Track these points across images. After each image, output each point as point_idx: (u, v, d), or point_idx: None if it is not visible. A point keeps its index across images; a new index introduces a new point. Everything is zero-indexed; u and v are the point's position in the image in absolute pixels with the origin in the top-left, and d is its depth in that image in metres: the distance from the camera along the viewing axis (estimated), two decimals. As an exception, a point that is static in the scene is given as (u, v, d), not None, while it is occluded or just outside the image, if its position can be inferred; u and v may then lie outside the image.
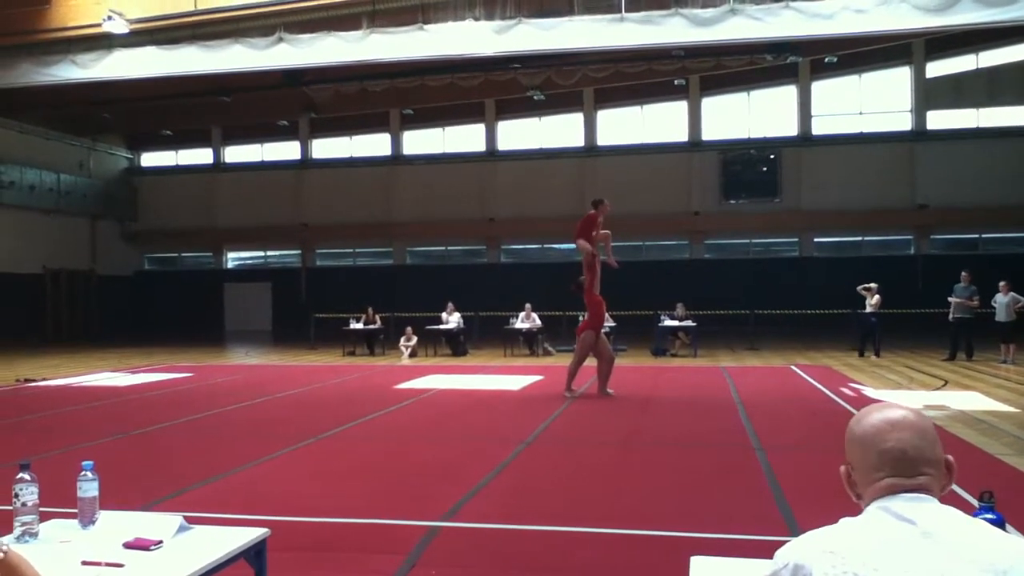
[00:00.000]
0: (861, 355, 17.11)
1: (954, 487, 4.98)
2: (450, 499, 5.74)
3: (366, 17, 17.58)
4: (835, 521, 1.61)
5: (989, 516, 2.25)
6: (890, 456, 1.57)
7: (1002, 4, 14.72)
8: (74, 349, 23.08)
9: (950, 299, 16.37)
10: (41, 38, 18.71)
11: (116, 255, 32.27)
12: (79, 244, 30.34)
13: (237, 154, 33.83)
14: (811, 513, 4.95)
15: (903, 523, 1.51)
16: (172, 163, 34.39)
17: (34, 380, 14.46)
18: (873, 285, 17.32)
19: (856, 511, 1.62)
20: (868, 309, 17.26)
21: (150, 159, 34.64)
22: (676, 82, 27.19)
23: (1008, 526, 2.25)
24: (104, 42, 18.35)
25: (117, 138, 33.02)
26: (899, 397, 10.78)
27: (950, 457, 1.63)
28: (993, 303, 15.98)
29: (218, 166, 33.59)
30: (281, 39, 17.44)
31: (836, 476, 1.74)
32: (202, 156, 33.96)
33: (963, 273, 16.47)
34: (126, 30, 17.70)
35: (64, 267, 29.10)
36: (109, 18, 17.28)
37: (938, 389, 11.90)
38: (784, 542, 1.64)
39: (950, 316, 16.36)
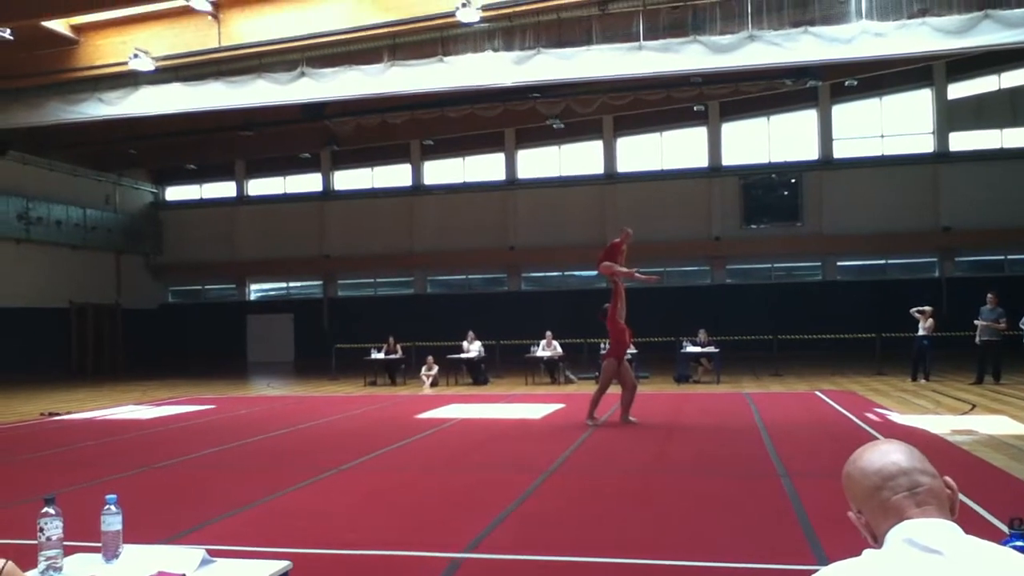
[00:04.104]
0: (914, 379, 16.69)
1: (983, 513, 4.89)
2: (473, 530, 5.70)
3: (387, 50, 17.83)
4: (862, 550, 1.58)
5: (1020, 543, 2.20)
6: (887, 472, 1.62)
7: (1023, 25, 14.67)
8: (99, 382, 23.27)
9: (976, 322, 16.16)
10: (68, 77, 19.13)
11: (141, 288, 32.63)
12: (105, 278, 30.70)
13: (260, 187, 34.21)
14: (838, 542, 4.87)
15: (930, 554, 1.49)
16: (196, 197, 34.84)
17: (58, 414, 14.56)
18: (928, 308, 17.05)
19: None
20: (921, 332, 16.98)
21: (174, 193, 35.12)
22: (695, 108, 27.27)
23: (1040, 554, 2.20)
24: (130, 80, 18.73)
25: (142, 173, 33.51)
26: (926, 422, 10.63)
27: (948, 477, 1.67)
28: (1021, 325, 15.76)
29: (241, 199, 33.97)
30: (303, 73, 17.71)
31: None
32: (226, 189, 34.38)
33: (989, 295, 16.27)
34: (152, 67, 18.05)
35: (90, 301, 29.44)
36: (135, 56, 17.64)
37: (966, 413, 11.71)
38: (811, 571, 1.62)
39: (977, 339, 16.14)
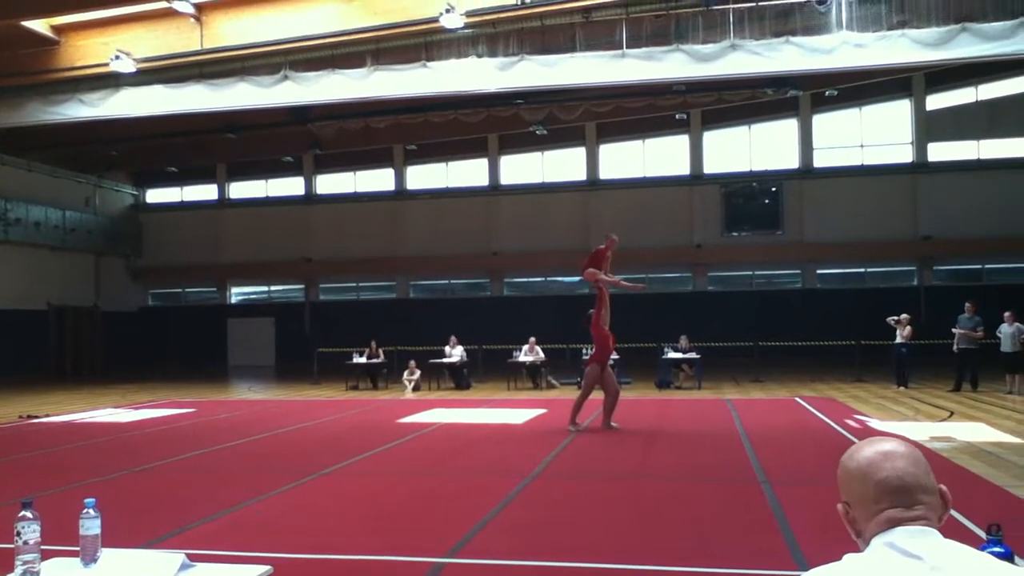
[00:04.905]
0: (899, 386, 16.83)
1: (961, 519, 4.94)
2: (455, 535, 5.70)
3: (370, 55, 17.81)
4: (842, 555, 1.60)
5: (997, 549, 2.23)
6: (887, 486, 1.58)
7: (1000, 38, 14.89)
8: (78, 385, 23.06)
9: (954, 330, 16.32)
10: (49, 78, 18.97)
11: (121, 291, 32.36)
12: (84, 280, 30.43)
13: (242, 190, 34.04)
14: (819, 547, 4.91)
15: (910, 559, 1.50)
16: (177, 199, 34.61)
17: (37, 416, 14.42)
18: (904, 316, 17.20)
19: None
20: (899, 340, 17.14)
21: (156, 195, 34.88)
22: (677, 116, 27.41)
23: (1017, 559, 2.23)
24: (111, 81, 18.60)
25: (123, 175, 33.26)
26: (905, 429, 10.72)
27: (943, 487, 1.64)
28: (998, 333, 15.94)
29: (223, 202, 33.78)
30: (286, 77, 17.66)
31: (842, 509, 1.72)
32: (207, 192, 34.19)
33: (967, 304, 16.44)
34: (133, 69, 17.94)
35: (69, 303, 29.16)
36: (117, 57, 17.53)
37: (944, 420, 11.83)
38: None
39: (955, 347, 16.30)
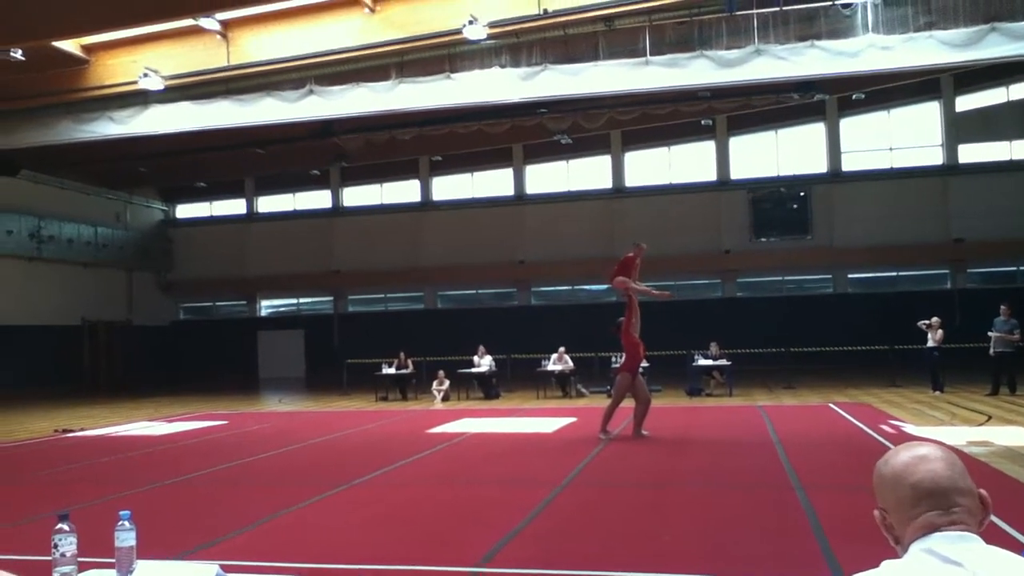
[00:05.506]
0: (937, 390, 16.62)
1: (1002, 525, 4.87)
2: (485, 544, 5.69)
3: (394, 68, 17.91)
4: (879, 561, 1.57)
5: (1039, 555, 2.18)
6: (923, 489, 1.57)
7: (1030, 37, 14.66)
8: (111, 399, 23.33)
9: (990, 333, 16.08)
10: (79, 96, 19.29)
11: (152, 305, 32.77)
12: (116, 295, 30.86)
13: (270, 204, 34.36)
14: (855, 555, 4.84)
15: (950, 566, 1.48)
16: (206, 214, 35.00)
17: (72, 430, 14.61)
18: (935, 320, 16.97)
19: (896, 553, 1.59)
20: (931, 344, 16.92)
21: (185, 210, 35.30)
22: (703, 122, 27.26)
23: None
24: (140, 98, 18.88)
25: (152, 191, 33.71)
26: (942, 434, 10.56)
27: (983, 491, 1.62)
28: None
29: (251, 216, 34.13)
30: (311, 91, 17.82)
31: (879, 516, 1.70)
32: (235, 207, 34.55)
33: (1002, 306, 16.19)
34: (161, 87, 18.19)
35: (101, 318, 29.58)
36: (145, 75, 17.79)
37: (981, 425, 11.64)
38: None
39: (991, 351, 16.05)
